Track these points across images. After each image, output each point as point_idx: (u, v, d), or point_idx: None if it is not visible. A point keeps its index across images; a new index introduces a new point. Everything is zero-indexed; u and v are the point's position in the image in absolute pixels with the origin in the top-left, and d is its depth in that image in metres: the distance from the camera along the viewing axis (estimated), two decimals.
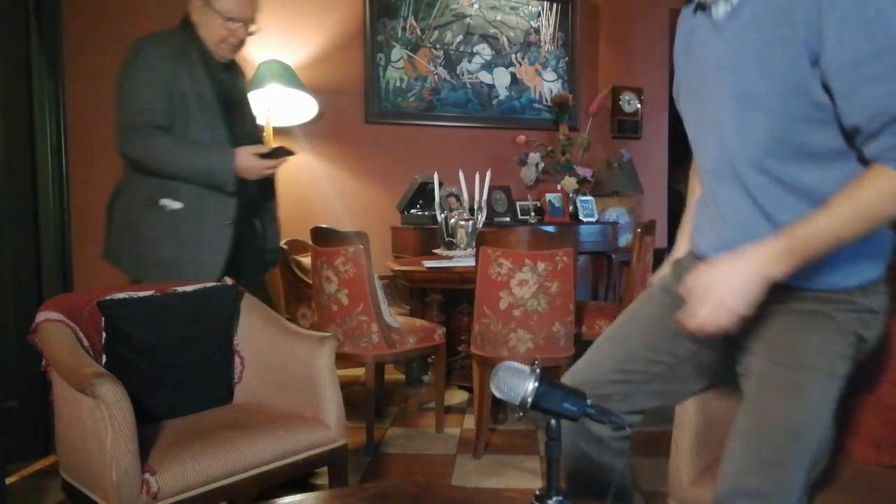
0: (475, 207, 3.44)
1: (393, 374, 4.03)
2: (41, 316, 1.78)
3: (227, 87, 2.25)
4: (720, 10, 1.13)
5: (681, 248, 1.42)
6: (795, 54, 1.02)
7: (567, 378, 1.36)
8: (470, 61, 4.65)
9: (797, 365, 1.12)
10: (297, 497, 1.30)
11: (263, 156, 2.14)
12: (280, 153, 2.19)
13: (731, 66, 1.10)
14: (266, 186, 2.40)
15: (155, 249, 2.14)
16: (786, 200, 1.10)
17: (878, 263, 1.15)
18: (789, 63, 1.03)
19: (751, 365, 1.19)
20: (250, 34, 2.22)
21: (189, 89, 2.12)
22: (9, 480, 2.49)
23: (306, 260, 3.53)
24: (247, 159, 2.11)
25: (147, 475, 1.53)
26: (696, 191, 1.38)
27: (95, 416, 1.51)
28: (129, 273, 2.22)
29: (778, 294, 1.10)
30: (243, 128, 2.29)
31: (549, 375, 1.13)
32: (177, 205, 2.14)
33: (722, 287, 1.04)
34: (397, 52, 4.47)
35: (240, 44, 2.21)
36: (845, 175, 1.04)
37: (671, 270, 1.39)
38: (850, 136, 1.04)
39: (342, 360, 3.04)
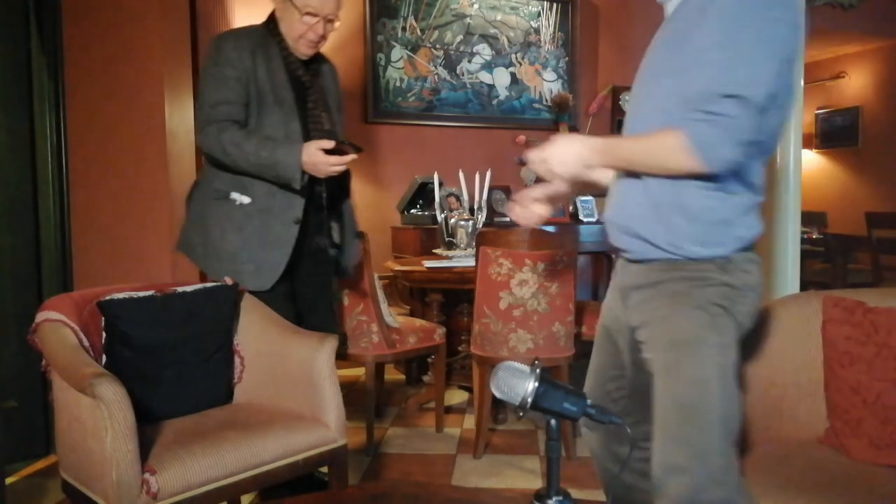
0: (475, 207, 3.44)
1: (393, 374, 4.02)
2: (41, 316, 1.77)
3: (306, 84, 2.19)
4: (670, 5, 1.37)
5: None
6: (690, 38, 1.24)
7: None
8: (470, 61, 4.65)
9: (668, 348, 1.28)
10: (298, 497, 1.30)
11: (329, 151, 2.03)
12: (346, 148, 2.06)
13: (661, 50, 1.35)
14: (343, 184, 2.30)
15: (221, 243, 2.13)
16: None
17: (730, 243, 1.28)
18: (684, 46, 1.25)
19: (646, 360, 1.34)
20: (331, 30, 2.17)
21: (265, 84, 2.10)
22: (9, 480, 2.49)
23: None
24: (313, 155, 2.01)
25: (147, 475, 1.53)
26: None
27: (95, 416, 1.51)
28: (199, 265, 2.23)
29: (652, 278, 1.32)
30: (320, 125, 2.20)
31: (549, 375, 1.13)
32: (245, 199, 2.12)
33: (554, 157, 1.34)
34: (397, 52, 4.47)
35: (319, 40, 2.16)
36: None
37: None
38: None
39: (342, 360, 3.04)
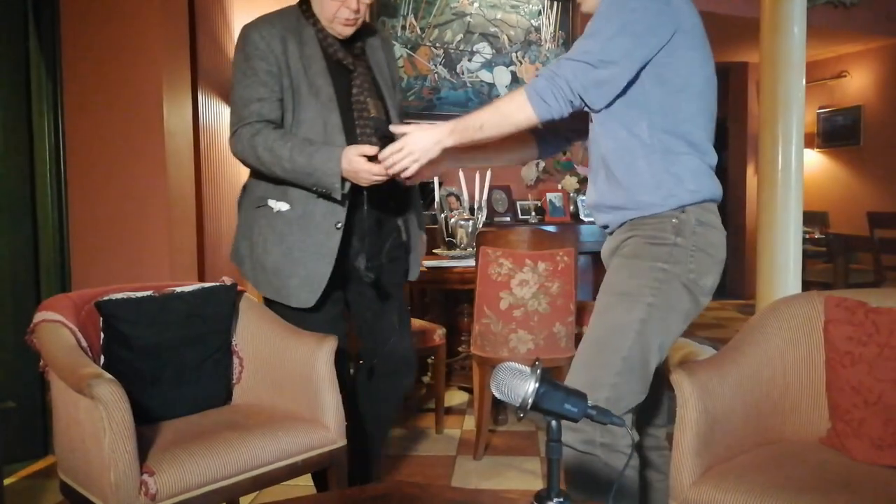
0: (475, 207, 3.44)
1: None
2: (39, 316, 1.77)
3: (349, 68, 1.94)
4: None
5: None
6: None
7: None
8: (470, 60, 4.65)
9: (609, 292, 1.52)
10: (298, 497, 1.30)
11: (372, 158, 1.75)
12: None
13: None
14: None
15: (265, 255, 1.93)
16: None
17: (684, 195, 1.47)
18: None
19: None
20: (366, 2, 1.92)
21: (299, 73, 1.88)
22: (7, 481, 2.48)
23: None
24: (354, 162, 1.74)
25: (145, 476, 1.52)
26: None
27: (93, 417, 1.50)
28: (248, 279, 2.03)
29: (620, 239, 1.54)
30: (365, 113, 1.93)
31: (549, 376, 1.12)
32: (284, 206, 1.91)
33: (414, 146, 1.57)
34: (397, 51, 4.46)
35: (355, 17, 1.89)
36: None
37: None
38: None
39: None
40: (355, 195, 1.87)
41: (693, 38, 1.47)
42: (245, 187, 2.06)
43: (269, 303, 2.02)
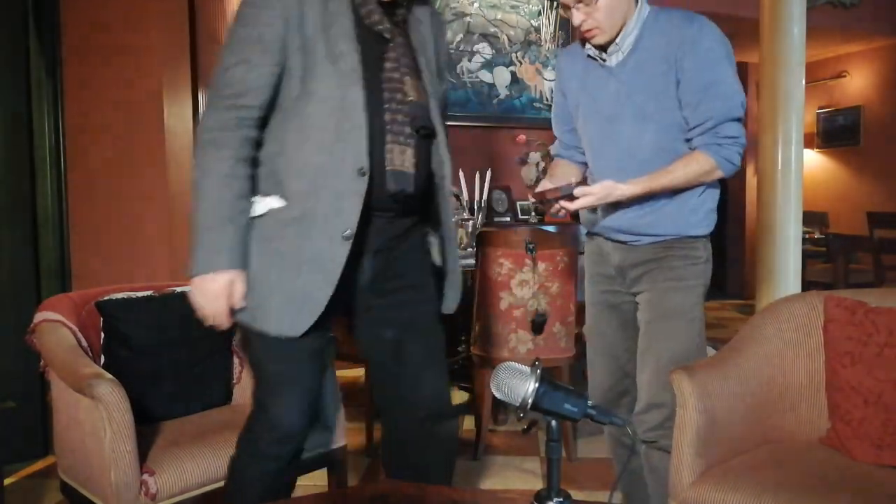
0: (475, 207, 3.44)
1: None
2: (39, 316, 1.77)
3: (385, 36, 1.46)
4: (613, 60, 1.66)
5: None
6: (670, 82, 1.61)
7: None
8: (470, 60, 4.65)
9: (670, 316, 1.69)
10: (298, 497, 1.30)
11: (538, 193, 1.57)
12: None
13: (629, 95, 1.64)
14: (438, 173, 1.53)
15: (250, 264, 1.42)
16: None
17: (713, 223, 1.73)
18: (666, 89, 1.61)
19: (644, 317, 1.74)
20: None
21: (316, 32, 1.39)
22: (7, 481, 2.48)
23: None
24: (209, 283, 1.35)
25: (146, 476, 1.53)
26: (555, 172, 1.87)
27: (94, 417, 1.50)
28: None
29: (653, 254, 1.69)
30: (400, 94, 1.45)
31: (549, 376, 1.12)
32: (276, 202, 1.41)
33: (615, 192, 1.61)
34: None
35: None
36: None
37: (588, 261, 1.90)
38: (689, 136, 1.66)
39: (342, 360, 3.02)
40: (377, 196, 1.40)
41: None
42: None
43: (246, 337, 1.49)
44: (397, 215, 1.48)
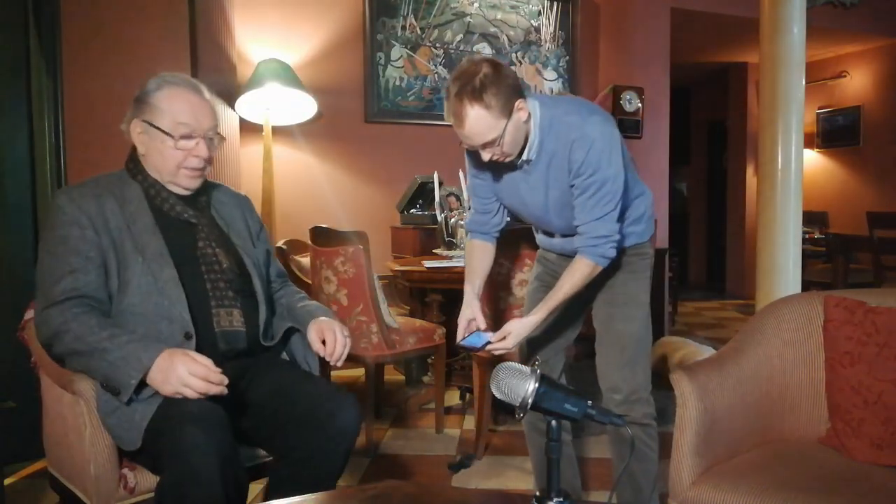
0: None
1: (393, 375, 4.02)
2: (30, 313, 1.78)
3: (191, 220, 1.66)
4: (524, 166, 1.80)
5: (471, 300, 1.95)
6: (568, 180, 1.75)
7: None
8: None
9: (627, 302, 1.92)
10: (298, 497, 1.30)
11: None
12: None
13: (544, 190, 1.81)
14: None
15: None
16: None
17: (652, 227, 2.00)
18: (567, 185, 1.76)
19: (599, 311, 1.98)
20: (215, 147, 1.67)
21: (122, 231, 1.56)
22: (7, 481, 2.49)
23: (305, 260, 3.52)
24: (179, 357, 1.41)
25: (125, 471, 1.55)
26: (473, 265, 2.03)
27: (75, 412, 1.52)
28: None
29: (614, 263, 1.86)
30: (216, 266, 1.64)
31: (549, 376, 1.12)
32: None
33: (518, 333, 1.79)
34: (397, 51, 4.46)
35: (203, 165, 1.64)
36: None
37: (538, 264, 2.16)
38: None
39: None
40: (209, 355, 1.46)
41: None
42: None
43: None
44: (235, 366, 1.58)
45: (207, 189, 1.74)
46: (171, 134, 1.58)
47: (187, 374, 1.39)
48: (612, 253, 1.76)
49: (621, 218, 1.80)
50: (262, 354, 1.70)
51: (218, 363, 1.44)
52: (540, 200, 1.84)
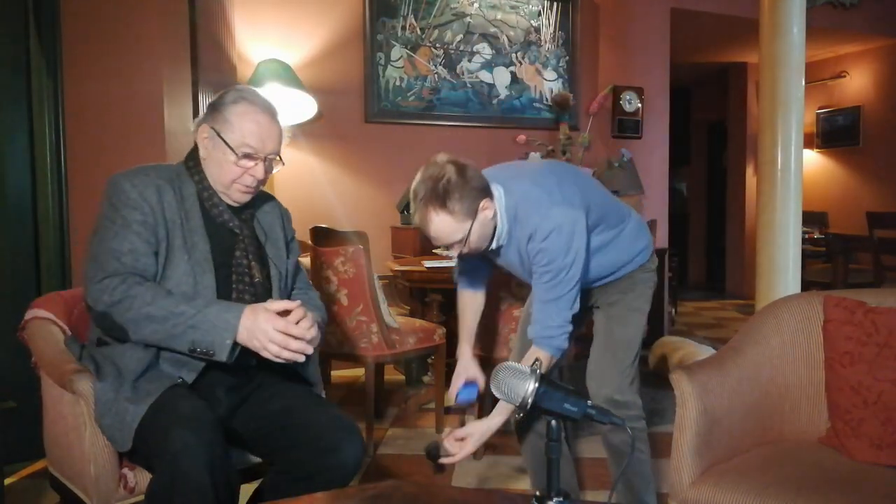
0: None
1: (393, 375, 4.02)
2: (30, 314, 1.78)
3: (234, 230, 1.69)
4: (495, 249, 1.86)
5: (465, 351, 2.08)
6: (530, 260, 1.80)
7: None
8: (470, 60, 4.65)
9: (627, 309, 2.01)
10: (297, 498, 1.30)
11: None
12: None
13: (518, 265, 1.88)
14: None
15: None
16: None
17: (650, 249, 2.06)
18: (529, 263, 1.81)
19: (600, 318, 2.06)
20: (272, 169, 1.70)
21: (175, 225, 1.61)
22: (8, 481, 2.49)
23: (305, 260, 3.52)
24: (260, 313, 1.49)
25: (125, 470, 1.55)
26: (468, 318, 2.13)
27: (75, 412, 1.53)
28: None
29: (612, 281, 2.00)
30: (248, 278, 1.68)
31: (549, 376, 1.12)
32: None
33: (481, 435, 1.80)
34: (397, 52, 4.46)
35: (258, 184, 1.68)
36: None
37: None
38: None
39: (342, 360, 3.03)
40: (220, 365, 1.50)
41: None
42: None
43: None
44: (243, 376, 1.66)
45: (255, 200, 1.74)
46: (235, 151, 1.60)
47: (272, 329, 1.45)
48: (566, 344, 1.81)
49: (618, 248, 1.95)
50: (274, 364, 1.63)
51: (229, 370, 1.53)
52: (523, 270, 1.91)
